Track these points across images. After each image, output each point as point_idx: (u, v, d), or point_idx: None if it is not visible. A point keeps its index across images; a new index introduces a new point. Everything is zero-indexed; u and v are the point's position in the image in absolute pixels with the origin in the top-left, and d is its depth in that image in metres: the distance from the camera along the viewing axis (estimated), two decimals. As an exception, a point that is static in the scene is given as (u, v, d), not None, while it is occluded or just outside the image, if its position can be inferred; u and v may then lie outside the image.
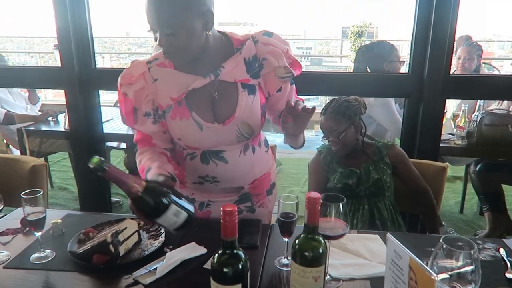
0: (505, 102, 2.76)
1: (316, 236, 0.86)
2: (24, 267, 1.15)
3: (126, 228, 1.22)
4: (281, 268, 1.14)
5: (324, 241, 0.86)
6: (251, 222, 1.38)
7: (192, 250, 1.20)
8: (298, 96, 1.46)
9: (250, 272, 0.83)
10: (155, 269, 1.11)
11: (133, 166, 2.98)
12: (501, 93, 2.23)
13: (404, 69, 2.67)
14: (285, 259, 1.16)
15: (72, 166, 3.25)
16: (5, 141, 3.28)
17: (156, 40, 1.16)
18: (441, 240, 0.84)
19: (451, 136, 2.52)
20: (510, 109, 2.61)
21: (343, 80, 2.33)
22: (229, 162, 1.34)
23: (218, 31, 1.28)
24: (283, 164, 4.44)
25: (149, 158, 1.28)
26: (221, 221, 0.77)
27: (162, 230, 1.30)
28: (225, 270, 0.78)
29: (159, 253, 1.20)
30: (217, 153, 1.33)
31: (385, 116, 2.64)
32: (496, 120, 2.33)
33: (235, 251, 0.79)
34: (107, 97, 4.91)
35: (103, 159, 0.99)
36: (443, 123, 2.35)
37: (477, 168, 2.62)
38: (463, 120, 2.44)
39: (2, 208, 1.18)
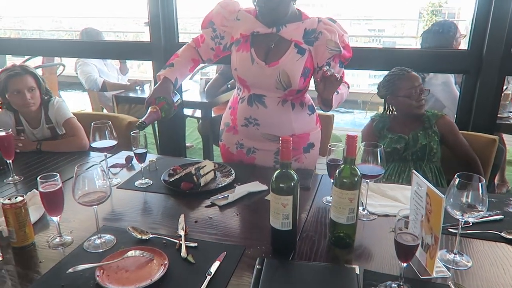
0: None
1: (352, 166, 1.09)
2: (131, 188, 1.53)
3: (205, 166, 1.55)
4: (326, 203, 1.40)
5: (358, 171, 1.10)
6: (305, 171, 1.66)
7: (256, 186, 1.50)
8: (345, 80, 1.72)
9: (303, 206, 1.10)
10: (227, 196, 1.42)
11: (206, 133, 3.38)
12: None
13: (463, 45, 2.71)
14: (330, 197, 1.41)
15: (153, 129, 3.69)
16: (101, 106, 3.84)
17: (254, 2, 1.59)
18: (455, 176, 1.03)
19: (511, 113, 2.54)
20: None
21: (402, 56, 2.44)
22: (268, 107, 1.67)
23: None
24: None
25: (179, 60, 1.76)
26: (280, 147, 1.04)
27: (233, 171, 1.61)
28: (281, 185, 1.05)
29: (230, 187, 1.51)
30: (260, 97, 1.68)
31: (445, 93, 2.73)
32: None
33: (289, 171, 1.05)
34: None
35: (143, 123, 1.50)
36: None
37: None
38: (525, 98, 2.45)
39: (115, 145, 1.55)
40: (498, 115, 2.40)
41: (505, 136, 2.76)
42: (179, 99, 1.71)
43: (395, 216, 1.23)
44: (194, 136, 4.58)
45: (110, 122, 1.54)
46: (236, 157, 1.83)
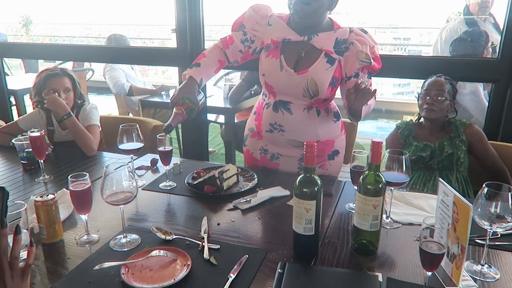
0: None
1: (377, 173, 1.08)
2: (155, 190, 1.56)
3: (228, 169, 1.57)
4: (349, 210, 1.39)
5: (383, 178, 1.09)
6: (328, 177, 1.65)
7: (278, 191, 1.50)
8: None
9: (325, 212, 1.10)
10: (250, 200, 1.43)
11: (229, 138, 3.40)
12: None
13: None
14: (353, 204, 1.40)
15: (177, 134, 3.75)
16: (127, 110, 3.93)
17: (291, 5, 1.59)
18: (484, 185, 1.01)
19: (543, 124, 2.45)
20: None
21: (431, 64, 2.41)
22: (293, 114, 1.67)
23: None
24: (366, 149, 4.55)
25: (205, 60, 1.77)
26: (304, 152, 1.04)
27: (255, 176, 1.62)
28: (304, 190, 1.05)
29: (252, 191, 1.52)
30: (286, 104, 1.68)
31: (473, 102, 2.67)
32: None
33: (313, 176, 1.06)
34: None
35: (169, 127, 1.54)
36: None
37: None
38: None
39: (141, 147, 1.59)
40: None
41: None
42: (203, 97, 1.73)
43: (419, 225, 1.22)
44: (217, 142, 4.63)
45: (137, 125, 1.58)
46: (260, 162, 1.84)
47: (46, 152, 1.75)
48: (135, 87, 3.79)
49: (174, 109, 1.61)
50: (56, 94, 1.97)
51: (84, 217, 1.20)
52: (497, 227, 1.01)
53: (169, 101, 1.68)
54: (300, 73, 1.63)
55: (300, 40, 1.64)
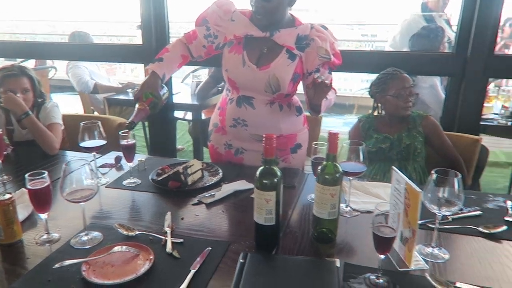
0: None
1: (334, 163, 1.12)
2: (119, 187, 1.55)
3: (193, 165, 1.58)
4: (311, 200, 1.43)
5: (339, 167, 1.13)
6: (291, 170, 1.70)
7: (242, 184, 1.52)
8: (333, 87, 1.75)
9: (288, 204, 1.13)
10: (214, 194, 1.45)
11: (197, 135, 3.39)
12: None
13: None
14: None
15: (144, 132, 3.71)
16: (92, 108, 3.84)
17: (252, 2, 1.61)
18: (432, 172, 1.07)
19: (495, 115, 2.59)
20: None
21: (391, 59, 2.49)
22: (256, 109, 1.70)
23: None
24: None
25: (168, 55, 1.76)
26: (263, 144, 1.07)
27: (220, 170, 1.64)
28: (264, 181, 1.08)
29: (217, 186, 1.53)
30: (248, 99, 1.70)
31: (431, 96, 2.79)
32: (542, 101, 2.37)
33: (272, 167, 1.08)
34: (176, 73, 5.38)
35: (132, 123, 1.54)
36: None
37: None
38: (508, 100, 2.51)
39: (104, 144, 1.57)
40: (483, 117, 2.46)
41: (490, 138, 2.82)
42: (166, 92, 1.72)
43: (385, 214, 1.27)
44: (186, 139, 4.60)
45: (99, 122, 1.57)
46: (224, 157, 1.85)
47: (5, 152, 1.70)
48: (100, 85, 3.71)
49: (137, 105, 1.60)
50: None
51: (43, 216, 1.18)
52: (445, 211, 1.07)
53: None
54: (262, 68, 1.65)
55: (263, 36, 1.67)
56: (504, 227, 1.22)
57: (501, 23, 5.09)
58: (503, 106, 2.53)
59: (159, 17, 2.73)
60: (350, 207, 1.35)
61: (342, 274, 1.01)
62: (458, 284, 0.97)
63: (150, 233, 1.20)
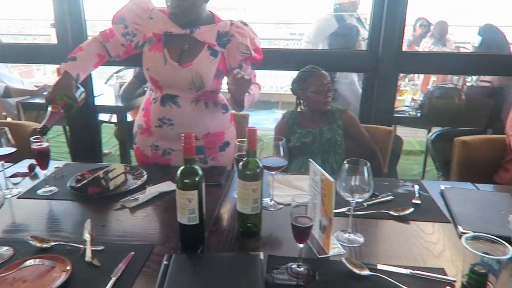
0: (456, 76, 3.07)
1: (254, 159, 1.15)
2: (33, 197, 1.45)
3: (115, 169, 1.52)
4: (236, 197, 1.44)
5: (259, 163, 1.16)
6: (218, 168, 1.70)
7: (167, 186, 1.50)
8: (256, 82, 1.80)
9: (214, 202, 1.14)
10: (138, 198, 1.41)
11: (124, 138, 3.27)
12: (447, 68, 2.53)
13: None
14: (242, 191, 1.46)
15: (66, 137, 3.50)
16: (4, 113, 3.53)
17: (168, 2, 1.59)
18: (345, 162, 1.14)
19: (407, 107, 2.82)
20: (457, 83, 2.92)
21: (310, 57, 2.60)
22: (181, 107, 1.68)
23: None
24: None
25: (82, 53, 1.69)
26: (182, 144, 1.06)
27: (144, 173, 1.59)
28: (185, 180, 1.07)
29: (141, 189, 1.49)
30: (173, 98, 1.68)
31: (350, 91, 2.96)
32: (445, 93, 2.63)
33: (193, 166, 1.08)
34: (98, 75, 5.11)
35: (44, 128, 1.45)
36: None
37: (431, 138, 2.93)
38: (417, 93, 2.74)
39: (14, 152, 1.45)
40: (396, 109, 2.67)
41: (405, 129, 3.06)
42: (83, 93, 1.64)
43: (303, 205, 1.33)
44: (113, 143, 4.40)
45: (7, 128, 1.45)
46: (151, 159, 1.81)
47: None
48: (12, 88, 3.42)
49: (49, 108, 1.51)
50: None
51: None
52: (358, 198, 1.15)
53: None
54: (185, 66, 1.64)
55: (183, 33, 1.66)
56: (411, 209, 1.34)
57: (413, 23, 5.57)
58: (412, 99, 2.76)
59: (74, 14, 2.58)
60: (274, 201, 1.39)
61: (266, 266, 1.04)
62: (379, 266, 1.04)
63: (68, 243, 1.14)
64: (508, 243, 0.95)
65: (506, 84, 2.83)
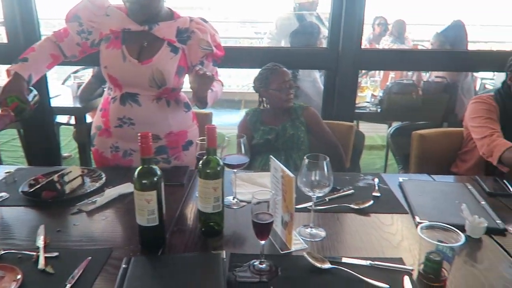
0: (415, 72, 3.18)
1: (214, 157, 1.14)
2: (-19, 205, 1.36)
3: (70, 171, 1.46)
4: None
5: (220, 160, 1.15)
6: (180, 168, 1.67)
7: (127, 187, 1.45)
8: (219, 78, 1.78)
9: (176, 202, 1.10)
10: (95, 201, 1.36)
11: (83, 140, 3.15)
12: (404, 64, 2.61)
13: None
14: (204, 190, 1.44)
15: (22, 141, 3.34)
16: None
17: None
18: (305, 157, 1.15)
19: (368, 103, 2.89)
20: (414, 79, 3.03)
21: (273, 54, 2.61)
22: (142, 105, 1.64)
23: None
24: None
25: (34, 54, 1.61)
26: (139, 143, 1.03)
27: (103, 175, 1.54)
28: (143, 181, 1.04)
29: (99, 191, 1.44)
30: (133, 96, 1.63)
31: (313, 88, 3.00)
32: (402, 89, 2.72)
33: (151, 166, 1.05)
34: (55, 76, 4.92)
35: None
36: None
37: (391, 132, 3.02)
38: (377, 89, 2.82)
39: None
40: (357, 105, 2.73)
41: (368, 124, 3.14)
42: (36, 95, 1.56)
43: (264, 201, 1.33)
44: (73, 145, 4.25)
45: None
46: (111, 161, 1.75)
47: None
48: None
49: None
50: None
51: None
52: (319, 192, 1.16)
53: None
54: (145, 63, 1.60)
55: (141, 30, 1.61)
56: (371, 202, 1.37)
57: (371, 22, 5.72)
58: (372, 95, 2.83)
59: (25, 12, 2.47)
60: (237, 199, 1.38)
61: (228, 264, 1.03)
62: (344, 260, 1.05)
63: (20, 251, 1.08)
64: (462, 231, 0.99)
65: (457, 79, 2.96)
